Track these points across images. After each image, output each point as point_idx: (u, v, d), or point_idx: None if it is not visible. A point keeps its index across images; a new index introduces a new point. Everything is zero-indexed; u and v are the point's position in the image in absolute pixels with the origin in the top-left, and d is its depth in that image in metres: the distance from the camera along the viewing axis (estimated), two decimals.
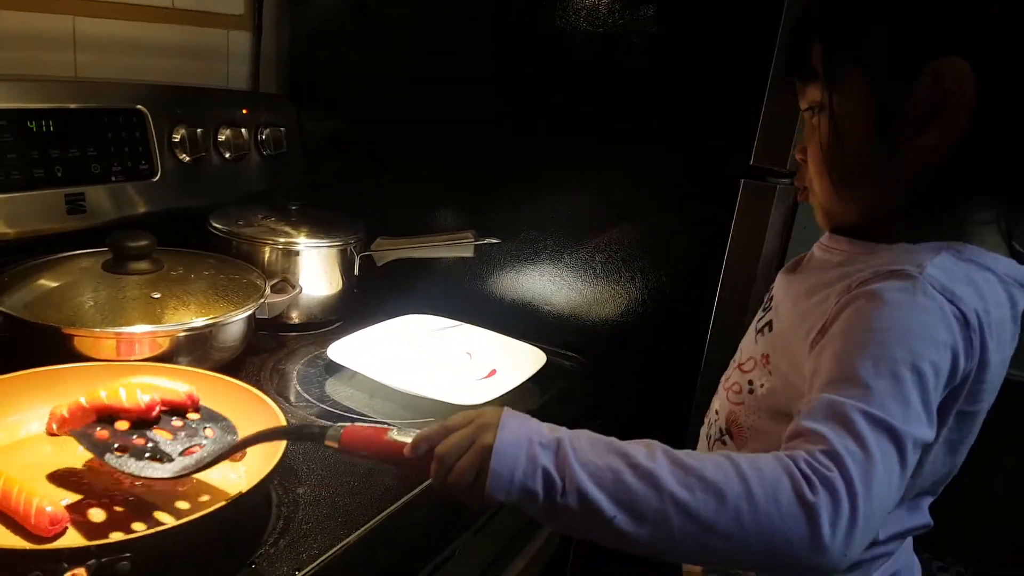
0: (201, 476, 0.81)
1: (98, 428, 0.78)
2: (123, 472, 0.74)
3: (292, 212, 1.33)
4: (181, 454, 0.77)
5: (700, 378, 1.18)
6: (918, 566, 0.85)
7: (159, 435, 0.78)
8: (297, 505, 0.80)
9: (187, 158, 1.30)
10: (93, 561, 0.59)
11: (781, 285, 0.84)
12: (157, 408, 0.81)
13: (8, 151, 1.07)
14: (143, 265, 1.05)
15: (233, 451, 0.77)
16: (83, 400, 0.80)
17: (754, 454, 0.60)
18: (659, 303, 1.23)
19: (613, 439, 0.63)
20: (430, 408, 1.02)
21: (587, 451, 0.61)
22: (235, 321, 1.04)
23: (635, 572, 1.09)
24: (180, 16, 1.39)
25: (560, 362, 1.25)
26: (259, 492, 0.75)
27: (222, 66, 1.50)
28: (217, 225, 1.28)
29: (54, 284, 1.01)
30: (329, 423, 0.73)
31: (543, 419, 0.66)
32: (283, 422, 0.81)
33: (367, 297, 1.37)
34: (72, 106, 1.15)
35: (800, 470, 0.57)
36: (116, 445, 0.76)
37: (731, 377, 0.86)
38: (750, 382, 0.81)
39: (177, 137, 1.29)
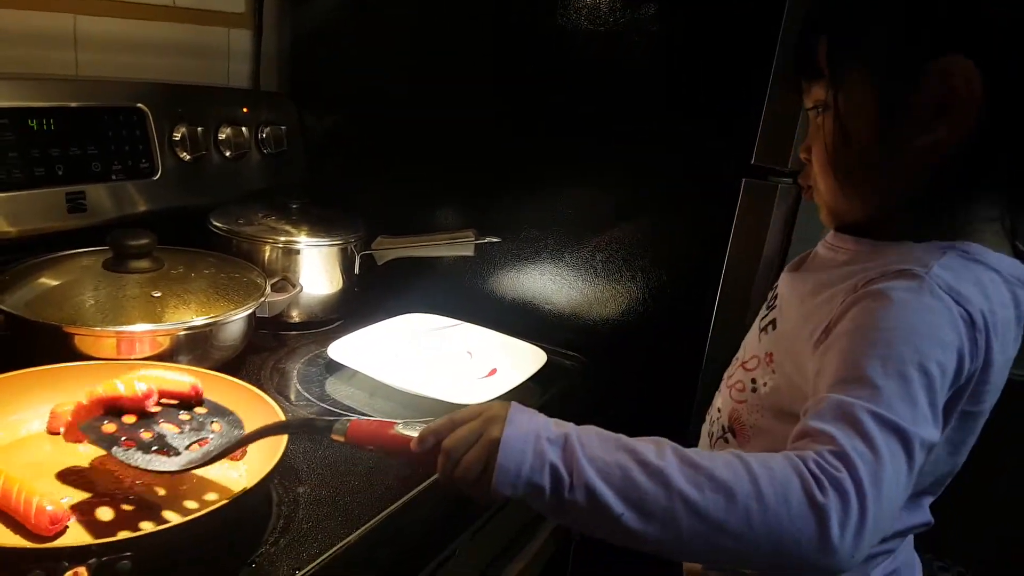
0: (203, 474, 0.81)
1: (105, 422, 0.77)
2: (130, 465, 0.74)
3: (292, 211, 1.33)
4: (188, 448, 0.77)
5: (701, 377, 1.18)
6: (918, 564, 0.85)
7: (166, 429, 0.78)
8: (297, 504, 0.80)
9: (188, 156, 1.30)
10: (94, 560, 0.59)
11: (785, 283, 0.84)
12: (154, 396, 0.81)
13: (9, 149, 1.07)
14: (144, 264, 1.05)
15: (240, 445, 0.77)
16: (83, 400, 0.80)
17: (764, 454, 0.60)
18: (660, 302, 1.23)
19: (621, 436, 0.63)
20: (431, 407, 1.02)
21: (595, 447, 0.61)
22: (235, 320, 1.04)
23: (636, 571, 1.09)
24: (181, 14, 1.39)
25: (561, 361, 1.25)
26: (260, 491, 0.75)
27: (223, 64, 1.50)
28: (217, 224, 1.28)
29: (55, 283, 1.01)
30: (335, 417, 0.73)
31: None
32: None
33: (367, 296, 1.37)
34: (73, 104, 1.15)
35: (810, 470, 0.57)
36: (123, 439, 0.76)
37: (734, 375, 0.86)
38: (753, 380, 0.81)
39: (178, 135, 1.29)
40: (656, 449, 0.60)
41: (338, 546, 0.75)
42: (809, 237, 1.11)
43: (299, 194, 1.39)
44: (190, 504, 0.77)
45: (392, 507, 0.82)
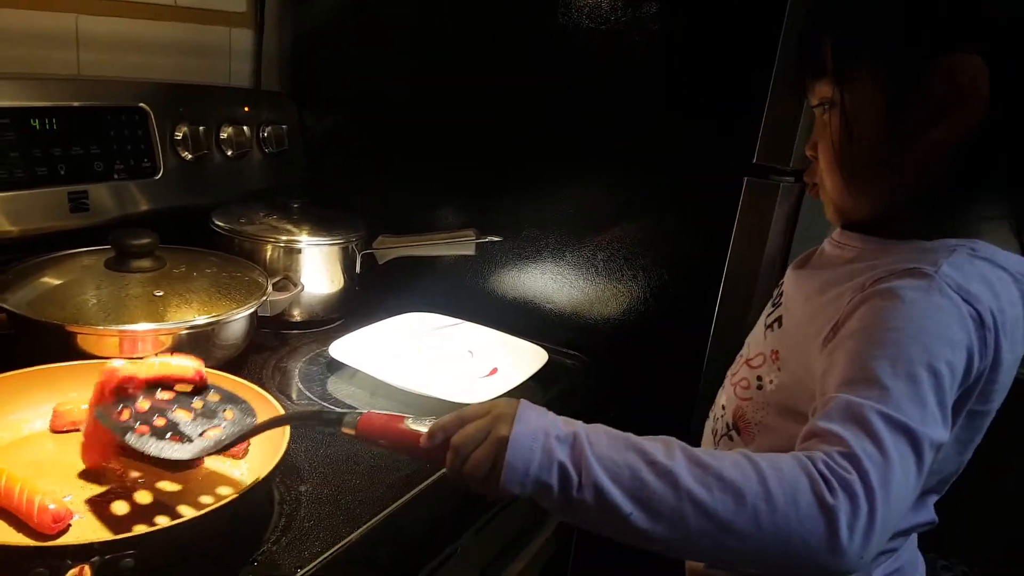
0: (206, 472, 0.81)
1: (119, 408, 0.77)
2: (143, 452, 0.73)
3: (294, 210, 1.33)
4: (200, 435, 0.76)
5: (703, 376, 1.18)
6: (922, 562, 0.85)
7: (179, 416, 0.78)
8: (299, 503, 0.81)
9: (189, 156, 1.31)
10: (97, 558, 0.59)
11: (791, 281, 0.84)
12: (157, 364, 0.81)
13: (11, 149, 1.07)
14: (146, 263, 1.05)
15: (252, 434, 0.77)
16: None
17: (772, 454, 0.60)
18: (661, 301, 1.23)
19: (630, 435, 0.63)
20: (432, 406, 1.02)
21: (604, 446, 0.61)
22: (237, 319, 1.05)
23: (636, 570, 1.09)
24: (182, 14, 1.39)
25: (562, 360, 1.26)
26: (262, 490, 0.75)
27: (224, 64, 1.50)
28: (219, 223, 1.28)
29: (57, 282, 1.01)
30: (346, 410, 0.73)
31: None
32: None
33: (369, 295, 1.37)
34: (75, 104, 1.16)
35: (819, 471, 0.57)
36: (137, 425, 0.75)
37: (739, 372, 0.86)
38: (759, 378, 0.81)
39: (179, 135, 1.29)
40: (665, 449, 0.60)
41: (340, 545, 0.75)
42: (811, 236, 1.12)
43: (300, 193, 1.39)
44: (193, 502, 0.77)
45: (393, 506, 0.83)
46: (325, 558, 0.73)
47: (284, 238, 1.26)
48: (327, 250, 1.30)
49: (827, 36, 0.73)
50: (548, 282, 1.33)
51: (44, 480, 0.77)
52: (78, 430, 0.84)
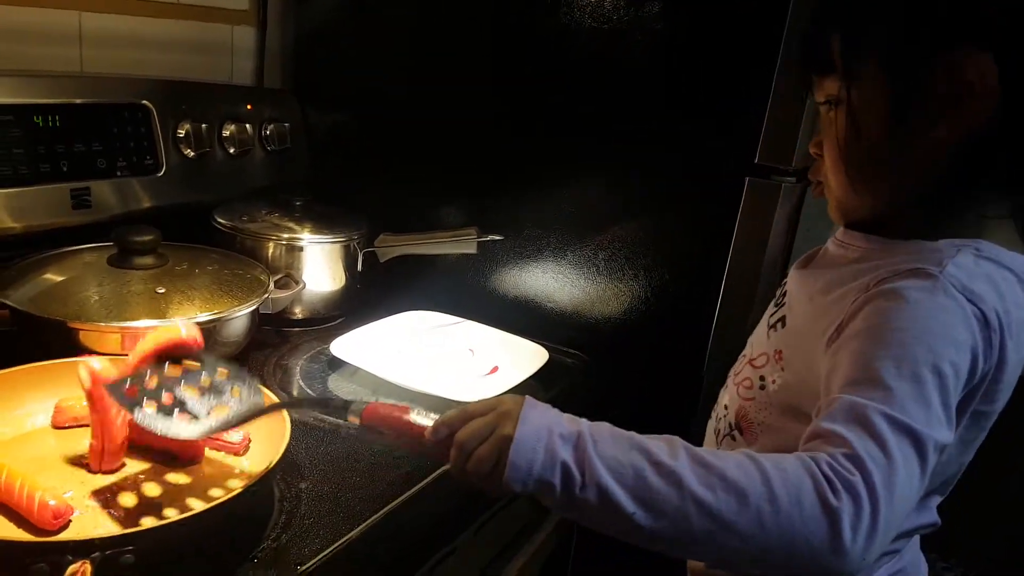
0: (206, 469, 0.82)
1: (128, 384, 0.76)
2: (151, 430, 0.73)
3: (296, 208, 1.34)
4: (208, 413, 0.76)
5: (704, 376, 1.18)
6: (924, 564, 0.85)
7: (186, 393, 0.77)
8: (299, 500, 0.81)
9: (192, 153, 1.31)
10: (97, 554, 0.60)
11: (794, 281, 0.84)
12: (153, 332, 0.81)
13: (14, 146, 1.07)
14: (148, 260, 1.05)
15: (259, 414, 0.76)
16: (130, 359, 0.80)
17: (776, 454, 0.60)
18: (662, 301, 1.23)
19: (633, 434, 0.63)
20: (432, 404, 1.01)
21: (608, 446, 0.61)
22: (239, 316, 1.05)
23: (637, 569, 1.09)
24: (185, 11, 1.39)
25: (562, 359, 1.26)
26: (262, 487, 0.75)
27: (227, 61, 1.50)
28: (221, 220, 1.28)
29: (59, 278, 1.02)
30: (353, 399, 0.73)
31: None
32: (286, 418, 0.81)
33: (370, 293, 1.37)
34: (78, 101, 1.16)
35: (823, 473, 0.57)
36: (145, 400, 0.75)
37: (742, 372, 0.85)
38: (762, 378, 0.81)
39: (182, 132, 1.29)
40: (669, 448, 0.60)
41: (340, 542, 0.75)
42: (813, 236, 1.12)
43: (302, 191, 1.39)
44: (193, 499, 0.77)
45: (394, 503, 0.83)
46: (325, 555, 0.73)
47: (286, 236, 1.27)
48: (329, 248, 1.30)
49: (835, 33, 0.72)
50: (549, 281, 1.33)
51: (46, 476, 0.77)
52: (80, 426, 0.84)
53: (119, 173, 1.20)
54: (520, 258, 1.35)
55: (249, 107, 1.42)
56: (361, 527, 0.78)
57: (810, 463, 0.57)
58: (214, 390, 0.78)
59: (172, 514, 0.73)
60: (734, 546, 0.58)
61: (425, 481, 0.87)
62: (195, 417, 0.75)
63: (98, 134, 1.18)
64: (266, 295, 1.10)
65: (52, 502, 0.69)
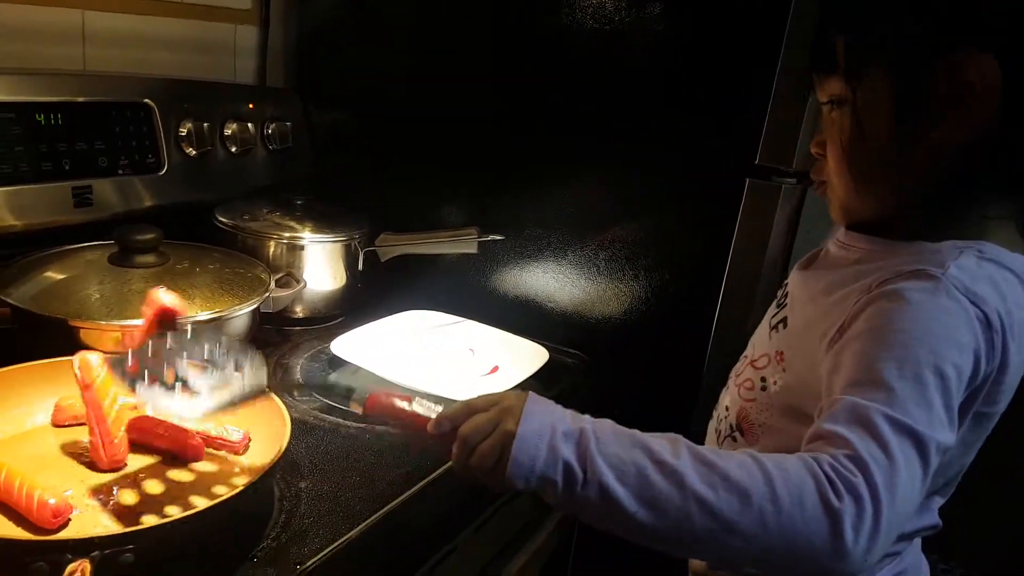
0: (206, 469, 0.82)
1: (129, 361, 0.75)
2: (152, 407, 0.72)
3: (297, 207, 1.34)
4: (211, 391, 0.75)
5: (704, 376, 1.18)
6: (926, 565, 0.85)
7: (188, 369, 0.76)
8: (299, 499, 0.81)
9: (193, 152, 1.31)
10: (97, 553, 0.60)
11: (796, 282, 0.84)
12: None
13: (16, 144, 1.07)
14: (149, 258, 1.05)
15: (261, 395, 0.76)
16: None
17: (779, 455, 0.60)
18: (663, 301, 1.23)
19: (636, 432, 0.63)
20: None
21: (610, 444, 0.61)
22: (240, 315, 1.05)
23: (638, 570, 1.09)
24: (188, 10, 1.39)
25: (563, 359, 1.26)
26: (262, 486, 0.75)
27: (229, 60, 1.50)
28: (223, 219, 1.28)
29: (61, 276, 1.02)
30: (357, 387, 0.73)
31: None
32: (287, 417, 0.81)
33: (371, 292, 1.37)
34: (80, 99, 1.16)
35: (825, 474, 0.57)
36: (147, 376, 0.74)
37: (743, 373, 0.85)
38: (763, 379, 0.81)
39: (184, 131, 1.29)
40: (671, 447, 0.60)
41: (340, 541, 0.75)
42: (813, 237, 1.11)
43: (304, 190, 1.39)
44: (193, 498, 0.77)
45: (393, 503, 0.83)
46: (325, 555, 0.73)
47: (287, 235, 1.27)
48: (330, 247, 1.30)
49: (840, 33, 0.72)
50: (549, 281, 1.33)
51: (46, 474, 0.78)
52: (80, 424, 0.85)
53: (121, 171, 1.21)
54: (521, 258, 1.35)
55: (251, 106, 1.42)
56: (361, 526, 0.78)
57: (812, 464, 0.57)
58: (216, 367, 0.77)
59: (172, 513, 0.74)
60: (736, 546, 0.58)
61: (425, 480, 0.87)
62: (197, 395, 0.74)
63: (100, 132, 1.18)
64: (267, 294, 1.11)
65: (51, 501, 0.69)
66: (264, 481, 0.74)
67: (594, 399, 1.22)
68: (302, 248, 1.27)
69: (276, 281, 1.17)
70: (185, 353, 0.77)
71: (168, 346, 0.77)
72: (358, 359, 1.11)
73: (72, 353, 0.89)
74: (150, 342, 0.77)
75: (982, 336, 0.64)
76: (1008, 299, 0.66)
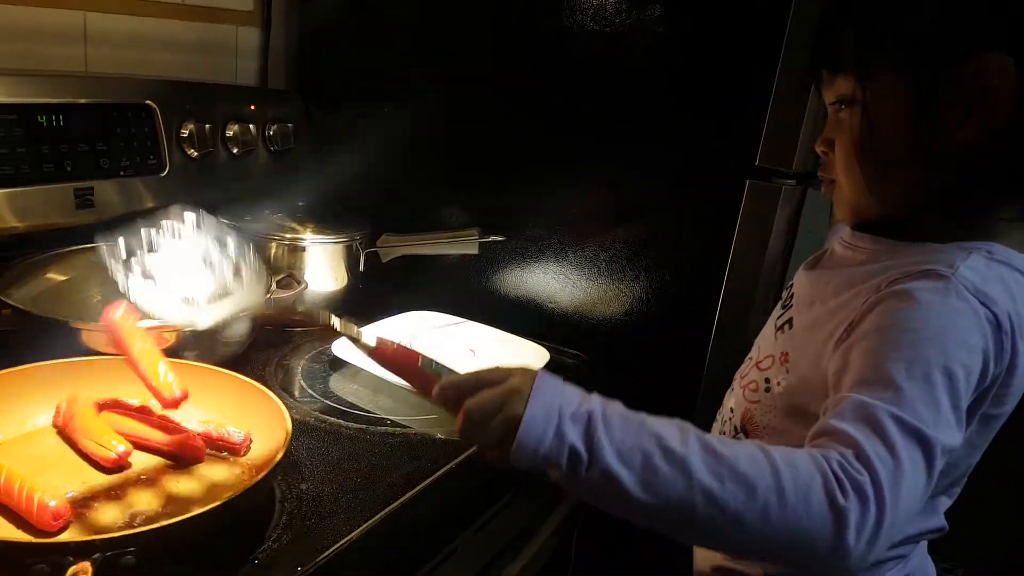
0: (207, 470, 0.82)
1: (121, 245, 0.71)
2: (145, 311, 0.69)
3: (298, 208, 1.34)
4: (208, 301, 0.72)
5: (704, 377, 1.18)
6: (932, 567, 0.85)
7: (182, 266, 0.72)
8: (300, 501, 0.81)
9: (195, 153, 1.31)
10: (98, 555, 0.60)
11: (802, 282, 0.84)
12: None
13: (18, 145, 1.07)
14: None
15: (262, 314, 0.74)
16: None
17: (788, 449, 0.60)
18: (663, 301, 1.23)
19: (645, 417, 0.63)
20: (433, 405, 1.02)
21: (618, 428, 0.61)
22: (241, 316, 1.05)
23: (638, 572, 1.09)
24: (190, 12, 1.40)
25: (563, 360, 1.26)
26: (263, 488, 0.75)
27: (231, 62, 1.51)
28: (224, 221, 1.28)
29: (62, 278, 1.02)
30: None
31: None
32: (287, 418, 0.82)
33: (372, 293, 1.38)
34: (82, 101, 1.16)
35: (833, 472, 0.57)
36: (134, 267, 0.71)
37: (748, 375, 0.85)
38: (767, 380, 0.81)
39: (185, 132, 1.29)
40: (680, 434, 0.60)
41: (340, 543, 0.75)
42: (813, 238, 1.11)
43: (305, 191, 1.39)
44: (194, 500, 0.77)
45: (394, 505, 0.83)
46: (326, 556, 0.73)
47: (288, 236, 1.27)
48: (331, 248, 1.30)
49: (850, 31, 0.72)
50: (550, 282, 1.33)
51: (47, 476, 0.78)
52: None
53: (122, 173, 1.21)
54: (521, 259, 1.35)
55: (253, 107, 1.42)
56: (361, 528, 0.78)
57: (821, 461, 0.58)
58: (215, 270, 0.74)
59: (173, 515, 0.74)
60: (738, 536, 0.58)
61: (425, 482, 0.87)
62: (194, 302, 0.71)
63: (101, 134, 1.18)
64: (268, 295, 1.11)
65: (52, 503, 0.69)
66: (265, 482, 0.74)
67: None
68: (303, 249, 1.28)
69: (277, 282, 1.17)
70: (183, 258, 0.74)
71: (167, 251, 0.73)
72: (359, 360, 1.11)
73: (73, 355, 0.90)
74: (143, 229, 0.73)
75: (991, 337, 0.64)
76: (1018, 300, 0.66)
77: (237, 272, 0.74)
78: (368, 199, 1.44)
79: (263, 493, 0.79)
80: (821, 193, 0.85)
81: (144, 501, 0.76)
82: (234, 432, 0.85)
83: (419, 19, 1.39)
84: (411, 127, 1.42)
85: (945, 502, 0.78)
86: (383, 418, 1.02)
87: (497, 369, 0.67)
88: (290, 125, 1.47)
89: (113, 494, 0.77)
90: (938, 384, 0.61)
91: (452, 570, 0.90)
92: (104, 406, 0.86)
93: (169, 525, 0.66)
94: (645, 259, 1.24)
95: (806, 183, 1.11)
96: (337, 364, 1.15)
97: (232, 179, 1.39)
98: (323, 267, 1.29)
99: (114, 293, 0.98)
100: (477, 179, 1.38)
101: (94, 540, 0.61)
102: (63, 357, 0.89)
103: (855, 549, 0.56)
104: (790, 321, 0.82)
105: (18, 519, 0.70)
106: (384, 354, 0.70)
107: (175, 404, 0.80)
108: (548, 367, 1.16)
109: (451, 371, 0.70)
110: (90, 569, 0.59)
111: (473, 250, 1.31)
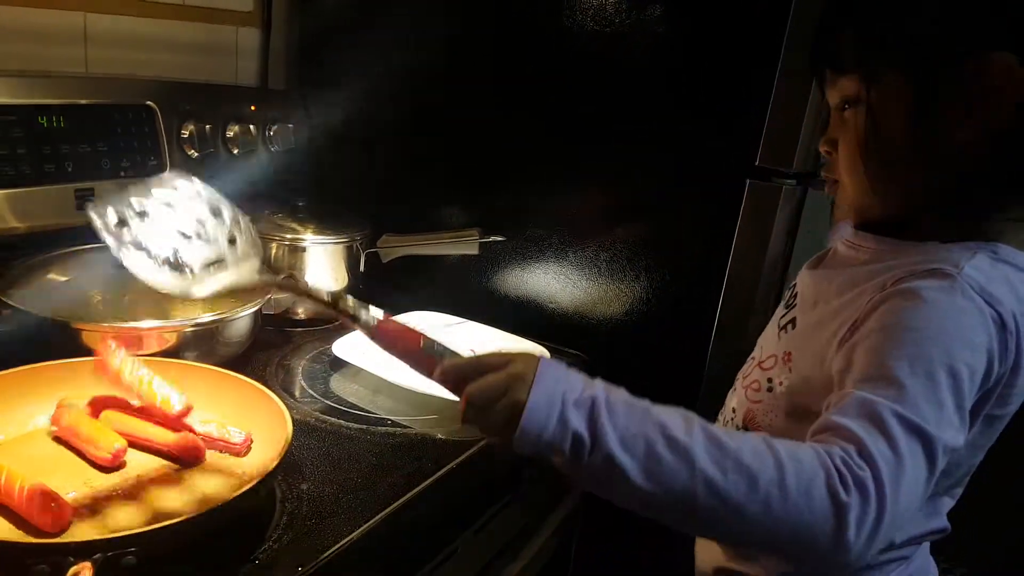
0: (207, 471, 0.82)
1: (111, 216, 0.69)
2: (137, 275, 0.67)
3: (299, 208, 1.34)
4: (204, 267, 0.69)
5: (704, 377, 1.18)
6: (934, 568, 0.85)
7: (174, 236, 0.70)
8: (301, 501, 0.81)
9: (195, 154, 1.31)
10: (99, 555, 0.60)
11: (805, 282, 0.84)
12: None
13: (19, 146, 1.08)
14: None
15: (259, 286, 0.72)
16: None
17: (792, 442, 0.60)
18: (663, 301, 1.23)
19: (649, 404, 0.62)
20: (434, 404, 1.03)
21: (622, 415, 0.60)
22: (241, 317, 1.05)
23: (638, 571, 1.09)
24: (190, 12, 1.40)
25: (563, 359, 1.26)
26: (264, 488, 0.75)
27: (231, 62, 1.51)
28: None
29: (62, 278, 1.02)
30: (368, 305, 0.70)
31: None
32: (288, 418, 0.82)
33: (372, 294, 1.37)
34: (82, 102, 1.16)
35: (836, 467, 0.57)
36: (130, 242, 0.69)
37: (751, 375, 0.85)
38: (769, 380, 0.81)
39: (186, 133, 1.30)
40: (684, 424, 0.60)
41: (341, 543, 0.75)
42: (813, 238, 1.11)
43: (305, 192, 1.39)
44: (194, 500, 0.77)
45: (394, 505, 0.83)
46: (326, 556, 0.73)
47: (289, 236, 1.27)
48: (331, 248, 1.30)
49: (850, 31, 0.72)
50: (551, 282, 1.33)
51: (47, 477, 0.77)
52: None
53: (123, 174, 1.21)
54: (522, 259, 1.35)
55: (253, 108, 1.42)
56: (362, 528, 0.78)
57: (824, 456, 0.58)
58: (209, 238, 0.71)
59: (174, 515, 0.74)
60: (738, 527, 0.58)
61: (426, 483, 0.87)
62: (188, 269, 0.68)
63: (102, 135, 1.18)
64: (269, 295, 1.11)
65: (52, 503, 0.69)
66: (266, 483, 0.74)
67: None
68: (304, 249, 1.28)
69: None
70: (178, 225, 0.71)
71: (161, 217, 0.71)
72: (359, 360, 1.11)
73: (74, 355, 0.90)
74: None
75: (996, 337, 0.64)
76: (1023, 300, 0.66)
77: (232, 241, 0.72)
78: (368, 199, 1.44)
79: (264, 493, 0.79)
80: (823, 193, 0.85)
81: (145, 502, 0.76)
82: (235, 432, 0.85)
83: (419, 20, 1.39)
84: (411, 127, 1.42)
85: (947, 503, 0.78)
86: (384, 418, 1.02)
87: (499, 354, 0.67)
88: (290, 125, 1.47)
89: (114, 495, 0.77)
90: (942, 382, 0.61)
91: (452, 570, 0.90)
92: (106, 405, 0.86)
93: (170, 525, 0.66)
94: (645, 259, 1.24)
95: (806, 183, 1.11)
96: (338, 364, 1.15)
97: (232, 179, 1.39)
98: (323, 267, 1.30)
99: (114, 295, 0.99)
100: (477, 179, 1.38)
101: (94, 540, 0.61)
102: (63, 357, 0.89)
103: (855, 544, 0.56)
104: (793, 321, 0.82)
105: (18, 519, 0.70)
106: (386, 334, 0.69)
107: (180, 418, 0.81)
108: None
109: (453, 353, 0.69)
110: (91, 569, 0.59)
111: (473, 250, 1.31)
